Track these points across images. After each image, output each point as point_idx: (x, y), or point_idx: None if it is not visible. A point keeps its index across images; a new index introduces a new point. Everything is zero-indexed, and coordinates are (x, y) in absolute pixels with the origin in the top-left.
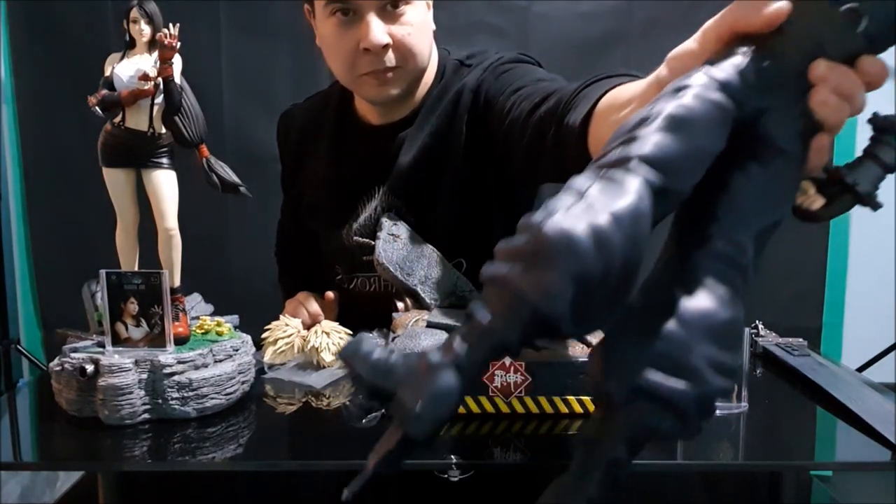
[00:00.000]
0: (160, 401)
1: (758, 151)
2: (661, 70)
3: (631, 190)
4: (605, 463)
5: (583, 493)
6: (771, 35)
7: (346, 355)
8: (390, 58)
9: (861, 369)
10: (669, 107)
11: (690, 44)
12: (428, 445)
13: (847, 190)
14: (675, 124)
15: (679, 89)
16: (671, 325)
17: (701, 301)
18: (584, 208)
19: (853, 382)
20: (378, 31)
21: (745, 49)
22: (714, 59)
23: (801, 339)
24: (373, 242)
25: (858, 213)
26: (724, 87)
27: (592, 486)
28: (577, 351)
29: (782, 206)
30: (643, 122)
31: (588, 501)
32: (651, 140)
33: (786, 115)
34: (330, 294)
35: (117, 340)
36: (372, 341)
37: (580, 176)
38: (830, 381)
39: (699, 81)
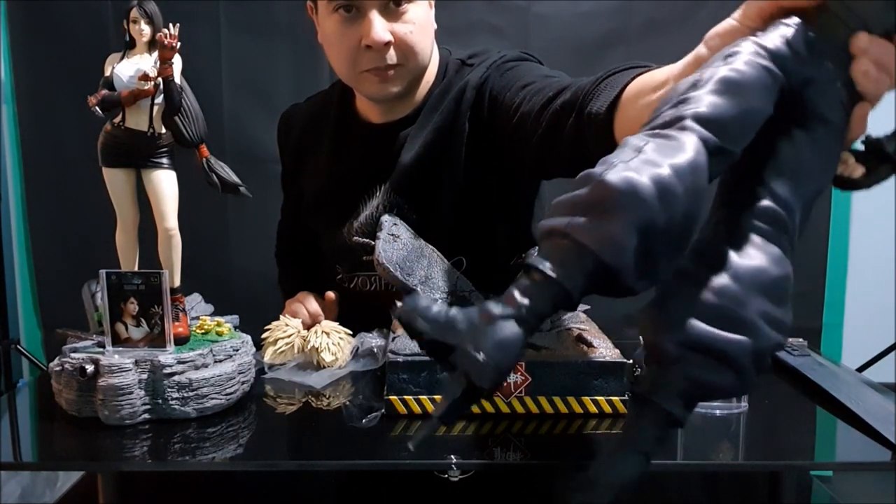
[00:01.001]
0: (160, 401)
1: (803, 120)
2: (700, 49)
3: (688, 145)
4: (661, 418)
5: (638, 446)
6: (815, 10)
7: (405, 312)
8: (392, 55)
9: (861, 369)
10: (721, 71)
11: (730, 21)
12: (489, 396)
13: (886, 160)
14: (728, 86)
15: (729, 55)
16: (725, 280)
17: (753, 258)
18: (644, 161)
19: (853, 382)
20: (380, 28)
21: (790, 22)
22: (760, 32)
23: (801, 339)
24: (373, 242)
25: (858, 213)
26: (773, 55)
27: (648, 441)
28: (578, 351)
29: (826, 174)
30: (694, 85)
31: (644, 455)
32: (705, 101)
33: (829, 85)
34: (330, 294)
35: (117, 340)
36: (428, 297)
37: (634, 137)
38: (830, 381)
39: (749, 49)
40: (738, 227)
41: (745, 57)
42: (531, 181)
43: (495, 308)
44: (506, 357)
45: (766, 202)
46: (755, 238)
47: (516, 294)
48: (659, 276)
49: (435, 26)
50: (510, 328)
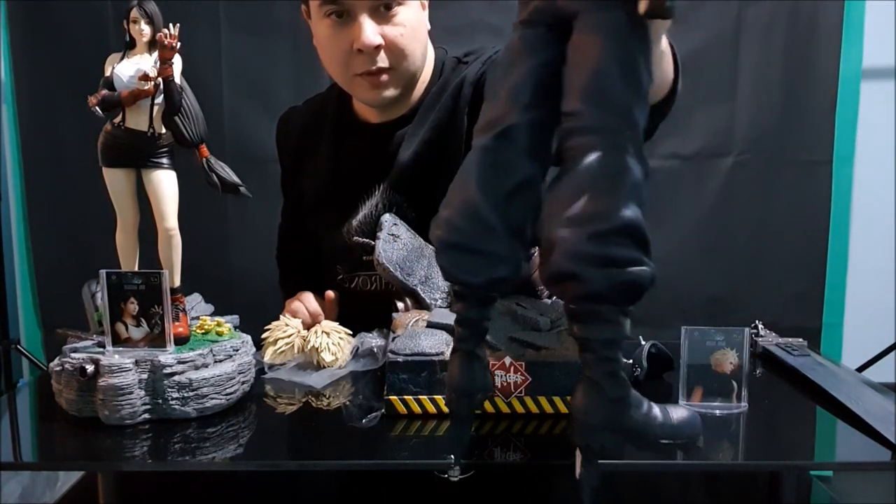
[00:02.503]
0: (160, 401)
1: (582, 26)
2: None
3: None
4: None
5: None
6: None
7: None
8: (383, 58)
9: (861, 369)
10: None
11: None
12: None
13: None
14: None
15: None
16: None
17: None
18: None
19: (853, 382)
20: (370, 31)
21: None
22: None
23: (801, 339)
24: (373, 242)
25: (858, 213)
26: (524, 23)
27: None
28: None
29: (630, 59)
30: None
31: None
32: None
33: None
34: (330, 293)
35: (117, 340)
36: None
37: None
38: (830, 381)
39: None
40: (567, 134)
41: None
42: None
43: None
44: None
45: (570, 124)
46: (583, 146)
47: None
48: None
49: (429, 27)
50: None
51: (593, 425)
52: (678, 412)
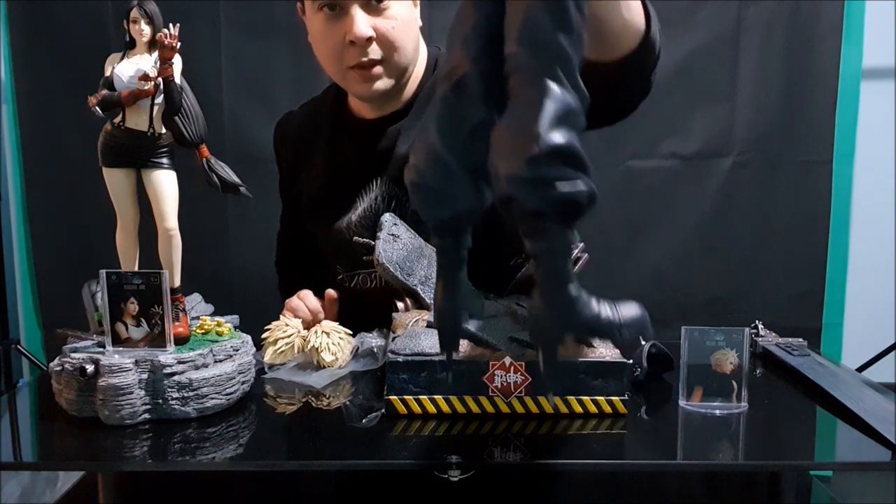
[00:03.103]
0: (160, 401)
1: None
2: None
3: None
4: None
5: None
6: None
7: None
8: (375, 50)
9: (861, 369)
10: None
11: None
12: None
13: None
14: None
15: None
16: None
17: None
18: None
19: (853, 382)
20: (362, 23)
21: None
22: None
23: (801, 339)
24: (373, 242)
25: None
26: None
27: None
28: (578, 351)
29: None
30: None
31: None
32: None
33: None
34: (330, 292)
35: (117, 340)
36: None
37: None
38: (830, 381)
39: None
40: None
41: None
42: None
43: None
44: None
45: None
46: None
47: None
48: None
49: (420, 24)
50: None
51: (548, 327)
52: (628, 310)
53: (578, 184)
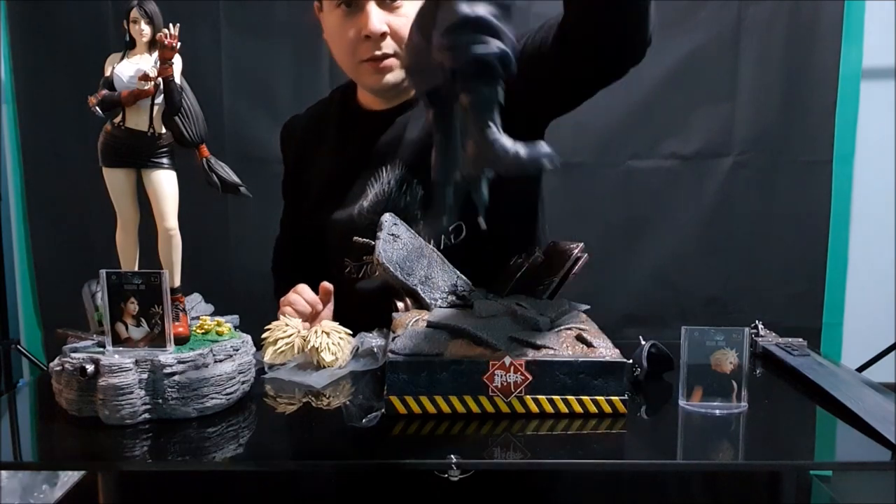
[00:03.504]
0: (160, 401)
1: None
2: None
3: None
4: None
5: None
6: None
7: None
8: (388, 44)
9: (861, 369)
10: None
11: None
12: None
13: None
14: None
15: None
16: None
17: None
18: None
19: (853, 382)
20: (377, 19)
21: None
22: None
23: (801, 339)
24: (373, 242)
25: (858, 212)
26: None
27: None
28: (578, 351)
29: None
30: None
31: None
32: None
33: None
34: (325, 284)
35: (117, 340)
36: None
37: None
38: (830, 381)
39: None
40: None
41: None
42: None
43: None
44: None
45: None
46: None
47: None
48: None
49: None
50: None
51: (477, 161)
52: (537, 148)
53: (490, 47)
